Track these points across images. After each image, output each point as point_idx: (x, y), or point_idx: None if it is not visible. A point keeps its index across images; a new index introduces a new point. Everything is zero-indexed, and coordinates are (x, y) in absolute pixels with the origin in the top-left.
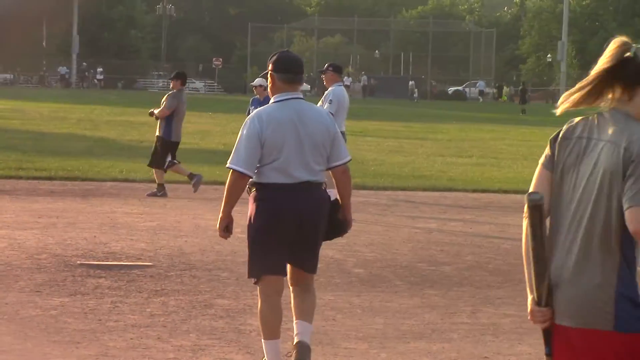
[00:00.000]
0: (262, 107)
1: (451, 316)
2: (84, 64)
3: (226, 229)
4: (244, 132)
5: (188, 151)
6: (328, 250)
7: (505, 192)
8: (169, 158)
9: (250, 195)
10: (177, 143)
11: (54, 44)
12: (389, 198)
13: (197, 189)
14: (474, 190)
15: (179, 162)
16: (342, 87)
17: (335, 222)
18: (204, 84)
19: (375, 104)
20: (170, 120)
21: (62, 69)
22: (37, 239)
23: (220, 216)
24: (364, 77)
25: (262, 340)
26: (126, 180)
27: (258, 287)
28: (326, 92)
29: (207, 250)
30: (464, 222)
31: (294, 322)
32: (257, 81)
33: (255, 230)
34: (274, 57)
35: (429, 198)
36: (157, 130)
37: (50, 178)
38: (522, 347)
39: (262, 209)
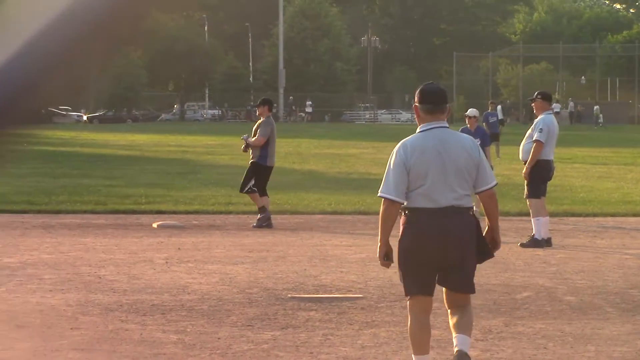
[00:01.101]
0: (408, 137)
1: None
2: (291, 98)
3: (386, 257)
4: (392, 161)
5: None
6: (538, 278)
7: None
8: (252, 183)
9: (401, 218)
10: (272, 168)
11: (260, 78)
12: (598, 224)
13: (258, 225)
14: None
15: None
16: (552, 115)
17: (483, 244)
18: (411, 114)
19: (583, 130)
20: (265, 146)
21: None
22: (248, 273)
23: (378, 245)
24: (571, 104)
25: (413, 355)
26: (335, 212)
27: (408, 305)
28: (536, 120)
29: None
30: None
31: (454, 337)
32: (472, 112)
33: (403, 252)
34: (418, 90)
35: (639, 224)
36: (252, 155)
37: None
38: None
39: (409, 232)
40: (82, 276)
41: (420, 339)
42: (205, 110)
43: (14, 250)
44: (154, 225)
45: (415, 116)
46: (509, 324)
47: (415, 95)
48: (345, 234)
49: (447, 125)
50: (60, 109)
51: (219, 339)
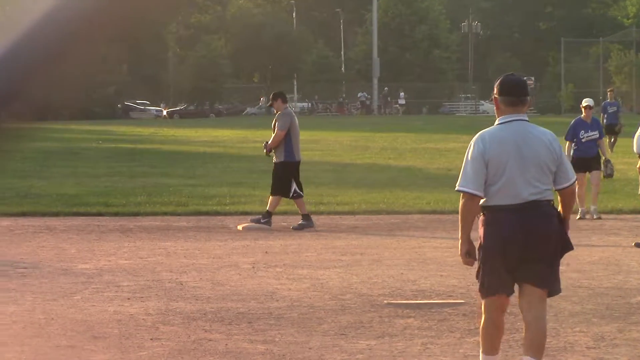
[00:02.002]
0: (486, 129)
1: None
2: (386, 88)
3: (467, 254)
4: (469, 153)
5: None
6: None
7: None
8: (295, 186)
9: (480, 218)
10: (299, 163)
11: (353, 68)
12: None
13: (298, 229)
14: None
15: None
16: None
17: (564, 237)
18: None
19: None
20: (288, 140)
21: (362, 95)
22: (340, 278)
23: (459, 242)
24: None
25: (481, 354)
26: (434, 212)
27: (482, 304)
28: None
29: None
30: None
31: (523, 357)
32: (588, 101)
33: (484, 251)
34: (498, 81)
35: None
36: (275, 156)
37: (352, 212)
38: None
39: (489, 231)
40: (163, 283)
41: (493, 339)
42: (293, 103)
43: (90, 256)
44: (239, 227)
45: (495, 108)
46: (623, 330)
47: (495, 86)
48: (445, 234)
49: (527, 119)
50: (138, 104)
51: (310, 349)
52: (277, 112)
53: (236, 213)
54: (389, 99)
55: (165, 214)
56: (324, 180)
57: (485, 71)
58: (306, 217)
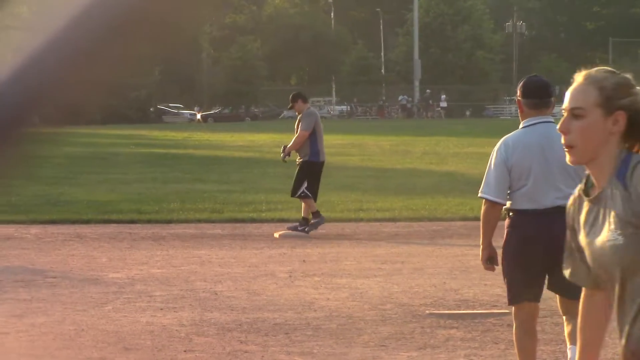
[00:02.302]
0: (510, 134)
1: None
2: (428, 91)
3: (490, 260)
4: (492, 160)
5: None
6: None
7: None
8: (305, 185)
9: (505, 222)
10: (323, 163)
11: (393, 70)
12: None
13: (310, 230)
14: None
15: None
16: None
17: None
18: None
19: None
20: (313, 140)
21: (403, 98)
22: (381, 288)
23: (480, 248)
24: None
25: None
26: (477, 218)
27: (513, 311)
28: None
29: None
30: None
31: (568, 348)
32: None
33: (508, 257)
34: (521, 83)
35: None
36: (298, 157)
37: (393, 219)
38: None
39: (514, 236)
40: (197, 292)
41: (528, 347)
42: (332, 106)
43: (122, 265)
44: (276, 234)
45: (519, 111)
46: None
47: (518, 88)
48: None
49: (552, 120)
50: (171, 107)
51: None
52: (298, 113)
53: (273, 220)
54: (430, 101)
55: (199, 221)
56: (363, 186)
57: (530, 73)
58: (316, 214)
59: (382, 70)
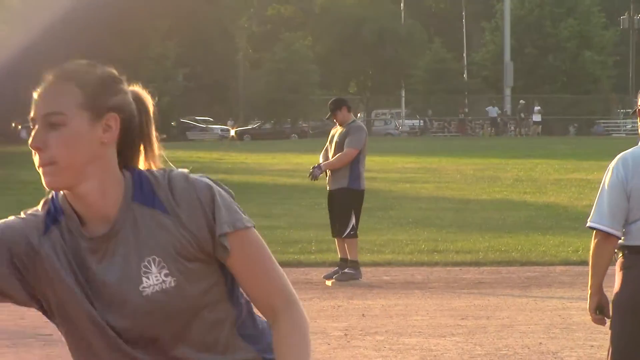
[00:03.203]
0: (629, 150)
1: None
2: (522, 101)
3: (600, 309)
4: (606, 180)
5: None
6: None
7: None
8: (353, 221)
9: (617, 264)
10: (364, 192)
11: (478, 75)
12: None
13: (341, 280)
14: None
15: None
16: None
17: None
18: None
19: None
20: (356, 162)
21: (492, 110)
22: (460, 349)
23: (588, 294)
24: None
25: None
26: (582, 262)
27: None
28: None
29: None
30: None
31: None
32: None
33: (620, 309)
34: None
35: None
36: (331, 182)
37: (476, 263)
38: None
39: (628, 278)
40: None
41: None
42: (400, 121)
43: None
44: (328, 282)
45: (639, 123)
46: None
47: (638, 97)
48: None
49: None
50: (198, 121)
51: None
52: (340, 124)
53: (324, 264)
54: (522, 114)
55: None
56: (440, 222)
57: None
58: (355, 264)
59: (465, 76)
